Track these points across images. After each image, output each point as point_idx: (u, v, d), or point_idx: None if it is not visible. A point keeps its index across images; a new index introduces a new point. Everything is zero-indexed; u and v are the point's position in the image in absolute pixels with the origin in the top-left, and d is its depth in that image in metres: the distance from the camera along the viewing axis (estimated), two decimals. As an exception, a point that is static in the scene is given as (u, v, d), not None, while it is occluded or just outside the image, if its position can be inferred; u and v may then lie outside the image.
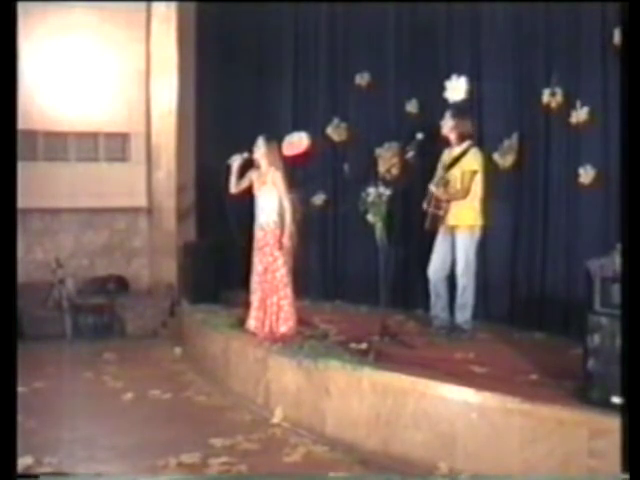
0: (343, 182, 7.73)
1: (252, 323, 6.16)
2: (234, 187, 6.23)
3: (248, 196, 6.26)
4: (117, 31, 8.57)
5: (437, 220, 5.94)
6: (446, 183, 5.93)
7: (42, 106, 8.26)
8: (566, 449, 3.99)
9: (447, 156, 6.08)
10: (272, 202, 6.06)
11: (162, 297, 8.45)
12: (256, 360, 5.85)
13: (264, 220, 6.09)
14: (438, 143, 6.27)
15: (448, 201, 5.88)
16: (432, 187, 5.96)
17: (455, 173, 5.92)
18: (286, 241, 6.02)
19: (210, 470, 4.46)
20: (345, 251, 7.86)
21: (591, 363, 4.06)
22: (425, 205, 6.00)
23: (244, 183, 6.23)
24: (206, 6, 8.38)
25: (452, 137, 6.04)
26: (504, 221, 6.33)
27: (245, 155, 6.19)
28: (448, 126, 6.03)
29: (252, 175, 6.21)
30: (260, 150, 6.13)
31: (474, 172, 5.88)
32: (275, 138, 6.52)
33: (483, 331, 6.06)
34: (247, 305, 6.29)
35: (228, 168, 6.23)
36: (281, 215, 6.02)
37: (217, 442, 4.87)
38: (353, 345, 5.41)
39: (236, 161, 6.20)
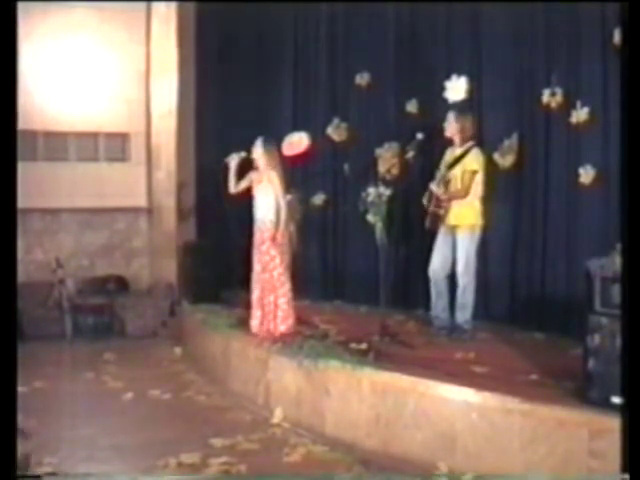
0: (343, 182, 7.74)
1: (252, 323, 6.16)
2: (233, 187, 6.24)
3: (248, 196, 6.26)
4: (117, 31, 8.57)
5: (438, 219, 5.95)
6: (447, 182, 5.94)
7: (42, 106, 8.26)
8: (566, 449, 3.99)
9: (449, 156, 6.08)
10: (268, 201, 6.04)
11: (162, 297, 8.45)
12: (256, 360, 5.86)
13: (261, 219, 6.08)
14: (438, 143, 6.28)
15: (449, 200, 5.89)
16: (433, 186, 5.97)
17: (456, 172, 5.92)
18: (280, 237, 6.01)
19: (210, 470, 4.46)
20: (345, 251, 7.86)
21: (591, 363, 4.07)
22: (425, 202, 6.00)
23: (243, 184, 6.22)
24: (206, 6, 8.38)
25: (456, 139, 6.04)
26: (504, 221, 6.33)
27: (243, 154, 6.19)
28: (453, 128, 6.02)
29: (251, 176, 6.21)
30: (258, 150, 6.13)
31: (474, 172, 5.88)
32: (275, 138, 6.52)
33: (483, 331, 6.06)
34: (247, 305, 6.30)
35: (226, 167, 6.23)
36: (277, 213, 6.01)
37: (217, 442, 4.88)
38: (353, 345, 5.41)
39: (234, 160, 6.20)
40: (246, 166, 6.26)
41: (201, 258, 7.81)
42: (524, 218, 6.33)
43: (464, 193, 5.86)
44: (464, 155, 5.94)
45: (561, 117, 5.94)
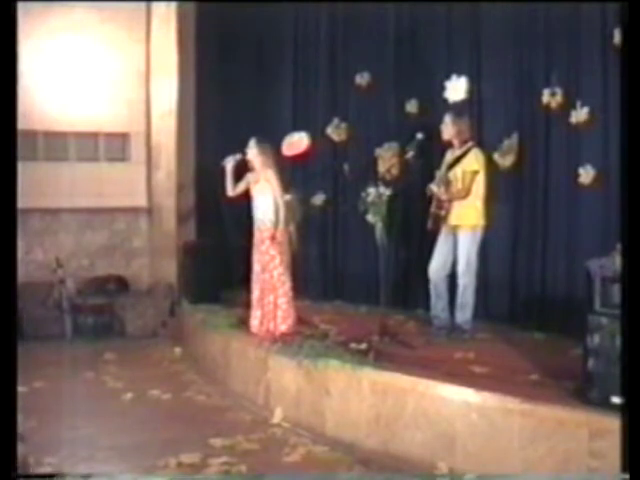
0: (343, 182, 7.74)
1: (252, 323, 6.16)
2: (230, 190, 6.24)
3: (246, 196, 6.25)
4: (117, 31, 8.57)
5: (439, 220, 5.95)
6: (447, 183, 5.93)
7: (42, 106, 8.26)
8: (566, 449, 3.99)
9: (450, 156, 6.08)
10: (267, 200, 6.04)
11: (162, 297, 8.45)
12: (256, 360, 5.86)
13: (260, 219, 6.08)
14: (438, 143, 6.28)
15: (449, 201, 5.88)
16: (433, 187, 5.96)
17: (456, 173, 5.92)
18: (279, 236, 6.01)
19: (210, 470, 4.46)
20: (345, 251, 7.86)
21: (591, 363, 4.07)
22: (428, 192, 5.99)
23: (241, 187, 6.22)
24: (206, 6, 8.38)
25: (454, 141, 6.04)
26: (504, 221, 6.33)
27: (238, 156, 6.19)
28: (449, 131, 6.01)
29: (249, 178, 6.21)
30: (252, 151, 6.12)
31: (475, 172, 5.87)
32: (274, 138, 6.52)
33: (483, 331, 6.06)
34: (247, 305, 6.30)
35: (223, 170, 6.23)
36: (276, 213, 6.00)
37: (217, 442, 4.87)
38: (353, 345, 5.41)
39: (229, 162, 6.21)
40: (242, 168, 6.26)
41: (201, 258, 7.81)
42: (524, 218, 6.33)
43: (465, 193, 5.85)
44: (464, 155, 5.94)
45: (561, 117, 5.94)
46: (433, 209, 5.97)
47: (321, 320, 6.52)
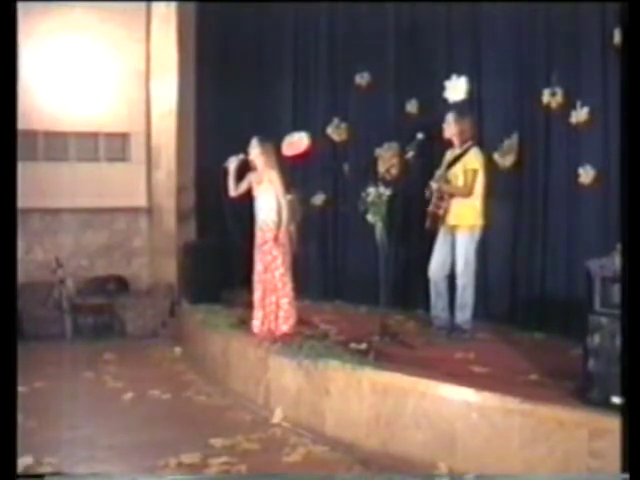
0: (343, 182, 7.74)
1: (254, 323, 6.15)
2: (233, 190, 6.23)
3: (248, 197, 6.25)
4: (117, 31, 8.57)
5: (437, 220, 5.95)
6: (447, 182, 5.93)
7: (42, 106, 8.26)
8: (566, 449, 3.99)
9: (450, 155, 6.08)
10: (270, 201, 6.04)
11: (162, 297, 8.45)
12: (256, 360, 5.86)
13: (263, 219, 6.08)
14: (438, 143, 6.28)
15: (451, 196, 5.87)
16: (433, 184, 5.96)
17: (457, 172, 5.92)
18: (282, 236, 6.01)
19: (210, 470, 4.46)
20: (345, 251, 7.86)
21: (591, 363, 4.07)
22: (427, 194, 5.98)
23: (243, 186, 6.22)
24: (206, 6, 8.38)
25: (455, 140, 6.03)
26: (504, 221, 6.33)
27: (241, 157, 6.19)
28: (452, 130, 6.01)
29: (251, 177, 6.21)
30: (254, 150, 6.12)
31: (475, 171, 5.87)
32: (274, 138, 6.52)
33: (483, 331, 6.06)
34: (247, 305, 6.30)
35: (225, 171, 6.23)
36: (279, 213, 6.00)
37: (217, 442, 4.87)
38: (353, 345, 5.41)
39: (232, 163, 6.20)
40: (244, 168, 6.26)
41: (201, 258, 7.81)
42: (524, 218, 6.33)
43: (467, 192, 5.84)
44: (463, 154, 5.94)
45: (561, 117, 5.94)
46: (431, 208, 5.97)
47: (321, 320, 6.52)
